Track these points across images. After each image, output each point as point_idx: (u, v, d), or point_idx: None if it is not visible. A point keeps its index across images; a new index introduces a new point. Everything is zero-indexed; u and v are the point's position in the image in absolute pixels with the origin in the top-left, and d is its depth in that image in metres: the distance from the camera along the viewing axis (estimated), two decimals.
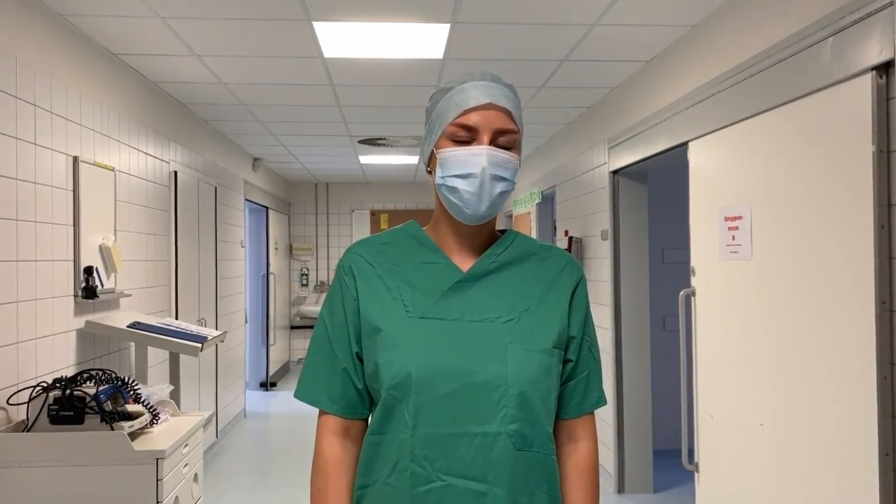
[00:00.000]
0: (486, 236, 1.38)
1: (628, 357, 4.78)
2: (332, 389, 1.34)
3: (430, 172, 1.36)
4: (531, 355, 1.28)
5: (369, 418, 1.36)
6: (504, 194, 1.31)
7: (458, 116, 1.30)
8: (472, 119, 1.29)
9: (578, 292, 1.39)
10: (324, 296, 10.19)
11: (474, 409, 1.25)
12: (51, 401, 2.72)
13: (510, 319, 1.30)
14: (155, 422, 3.06)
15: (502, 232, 1.42)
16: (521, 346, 1.28)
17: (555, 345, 1.32)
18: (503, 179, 1.30)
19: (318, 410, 1.37)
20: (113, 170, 3.85)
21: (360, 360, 1.34)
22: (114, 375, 2.97)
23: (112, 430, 2.72)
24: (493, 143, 1.29)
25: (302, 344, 10.27)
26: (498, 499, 1.24)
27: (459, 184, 1.29)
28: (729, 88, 3.14)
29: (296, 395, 1.38)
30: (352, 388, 1.34)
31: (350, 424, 1.35)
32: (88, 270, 3.44)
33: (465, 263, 1.36)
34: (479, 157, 1.28)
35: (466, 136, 1.29)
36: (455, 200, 1.30)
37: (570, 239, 5.56)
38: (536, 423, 1.28)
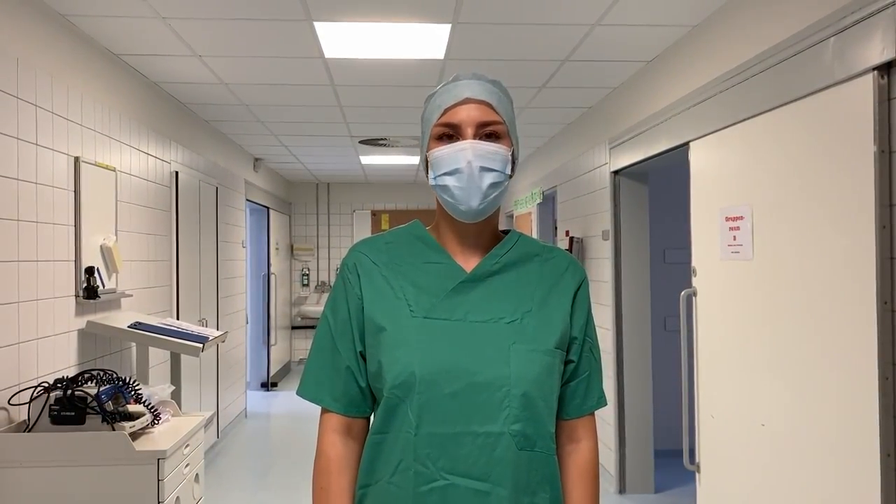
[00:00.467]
0: (488, 236, 1.39)
1: (629, 357, 4.78)
2: (334, 387, 1.34)
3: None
4: (534, 356, 1.29)
5: (371, 417, 1.36)
6: (496, 185, 1.31)
7: (441, 116, 1.32)
8: (453, 117, 1.31)
9: (580, 294, 1.39)
10: (325, 296, 10.23)
11: (477, 409, 1.25)
12: (52, 401, 2.72)
13: (513, 320, 1.31)
14: (156, 422, 3.06)
15: (505, 233, 1.43)
16: (524, 347, 1.29)
17: (557, 345, 1.32)
18: (491, 170, 1.30)
19: (319, 409, 1.37)
20: (114, 170, 3.85)
21: (364, 358, 1.34)
22: (115, 375, 2.97)
23: (113, 430, 2.72)
24: (477, 136, 1.30)
25: (303, 344, 10.28)
26: (501, 498, 1.25)
27: (449, 181, 1.30)
28: (730, 89, 3.14)
29: (298, 393, 1.38)
30: (354, 386, 1.34)
31: (352, 423, 1.35)
32: (90, 271, 3.44)
33: (468, 264, 1.36)
34: (463, 152, 1.29)
35: (451, 134, 1.31)
36: (448, 198, 1.31)
37: (571, 239, 5.56)
38: (539, 423, 1.28)
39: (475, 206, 1.29)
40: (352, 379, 1.34)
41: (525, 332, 1.30)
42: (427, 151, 1.35)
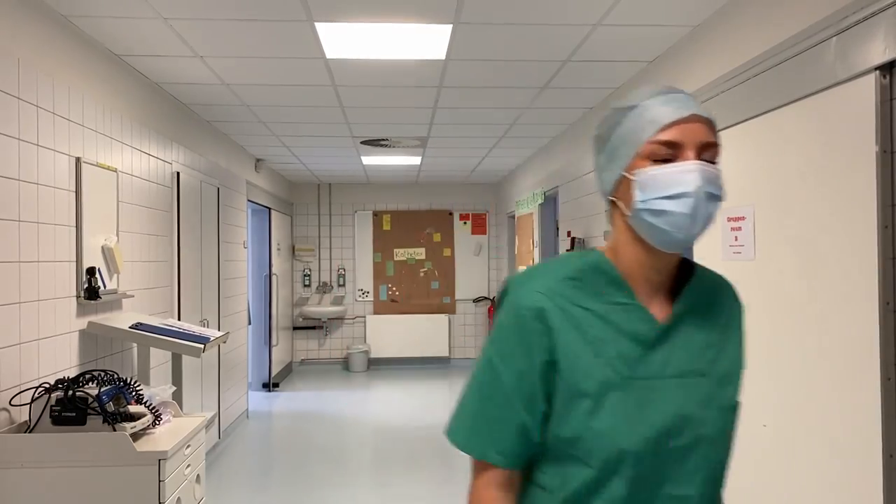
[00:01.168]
0: (673, 269, 1.27)
1: None
2: (501, 441, 1.22)
3: (613, 201, 1.25)
4: (727, 414, 1.26)
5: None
6: (713, 215, 1.18)
7: (658, 132, 1.17)
8: (674, 134, 1.16)
9: (742, 327, 1.32)
10: (326, 296, 10.24)
11: (673, 472, 1.21)
12: (53, 402, 2.72)
13: (706, 373, 1.24)
14: (157, 423, 3.06)
15: (684, 262, 1.31)
16: (717, 404, 1.25)
17: (739, 396, 1.27)
18: (717, 198, 1.17)
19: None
20: (115, 171, 3.85)
21: (546, 417, 1.23)
22: (116, 376, 2.98)
23: (114, 430, 2.72)
24: (699, 158, 1.17)
25: (304, 345, 10.27)
26: None
27: (669, 205, 1.15)
28: (731, 89, 3.13)
29: (453, 440, 1.26)
30: (526, 442, 1.23)
31: (514, 475, 1.26)
32: (91, 271, 3.44)
33: (651, 303, 1.25)
34: (691, 174, 1.14)
35: (668, 153, 1.17)
36: (661, 225, 1.16)
37: (573, 240, 5.55)
38: (721, 484, 1.26)
39: (695, 234, 1.17)
40: (524, 436, 1.22)
41: (715, 386, 1.24)
42: (630, 171, 1.20)
